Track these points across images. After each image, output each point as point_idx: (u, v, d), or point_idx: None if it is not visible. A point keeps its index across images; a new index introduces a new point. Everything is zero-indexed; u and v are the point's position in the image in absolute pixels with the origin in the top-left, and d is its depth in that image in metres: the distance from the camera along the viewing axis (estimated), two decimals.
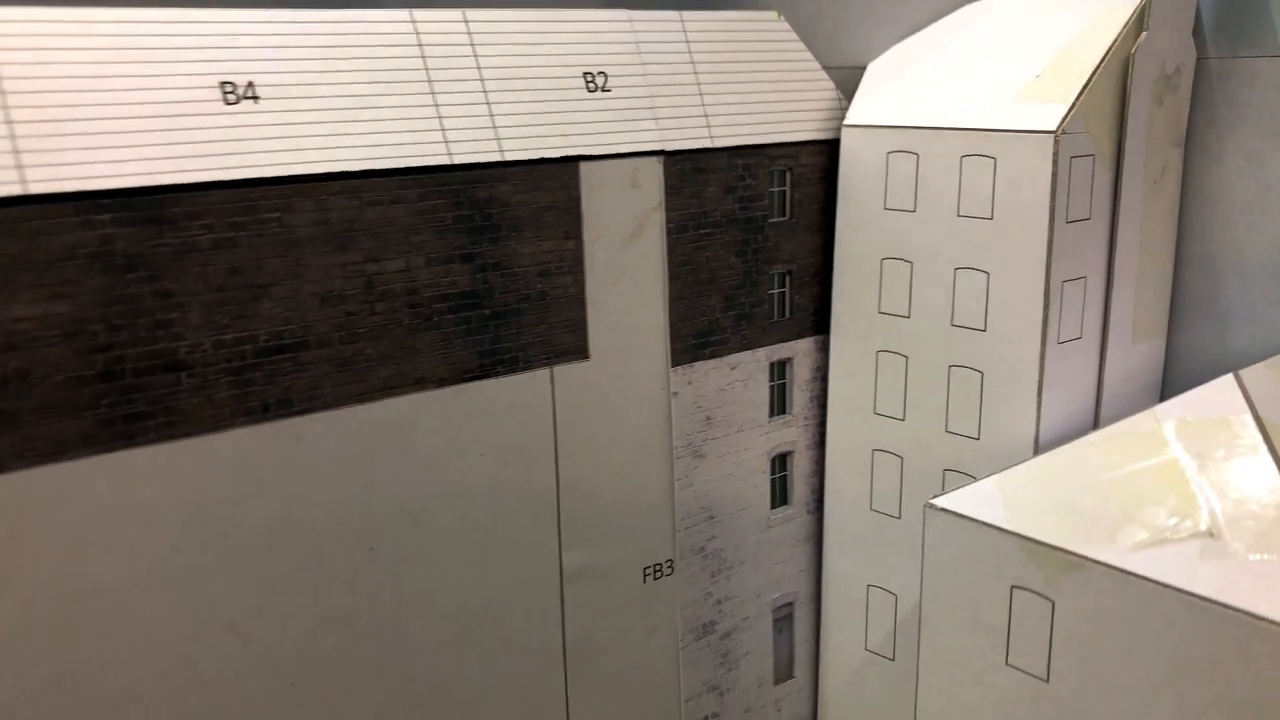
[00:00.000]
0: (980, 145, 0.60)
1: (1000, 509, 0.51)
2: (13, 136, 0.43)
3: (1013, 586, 0.50)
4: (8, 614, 0.45)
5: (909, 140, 0.63)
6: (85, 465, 0.46)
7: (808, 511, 0.72)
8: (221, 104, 0.48)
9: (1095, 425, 0.64)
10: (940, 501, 0.53)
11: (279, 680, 0.52)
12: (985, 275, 0.61)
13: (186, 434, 0.48)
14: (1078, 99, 0.57)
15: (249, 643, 0.51)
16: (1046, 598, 0.49)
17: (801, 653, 0.74)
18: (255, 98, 0.48)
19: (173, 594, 0.49)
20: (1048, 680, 0.50)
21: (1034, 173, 0.58)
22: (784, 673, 0.74)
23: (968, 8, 0.68)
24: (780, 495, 0.71)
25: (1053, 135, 0.56)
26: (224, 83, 0.48)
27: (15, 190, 0.43)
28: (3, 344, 0.43)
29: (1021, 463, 0.58)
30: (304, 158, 0.49)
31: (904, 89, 0.66)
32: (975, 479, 0.56)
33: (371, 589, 0.54)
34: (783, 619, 0.73)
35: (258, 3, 0.50)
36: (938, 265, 0.63)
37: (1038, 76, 0.60)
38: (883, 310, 0.66)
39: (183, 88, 0.47)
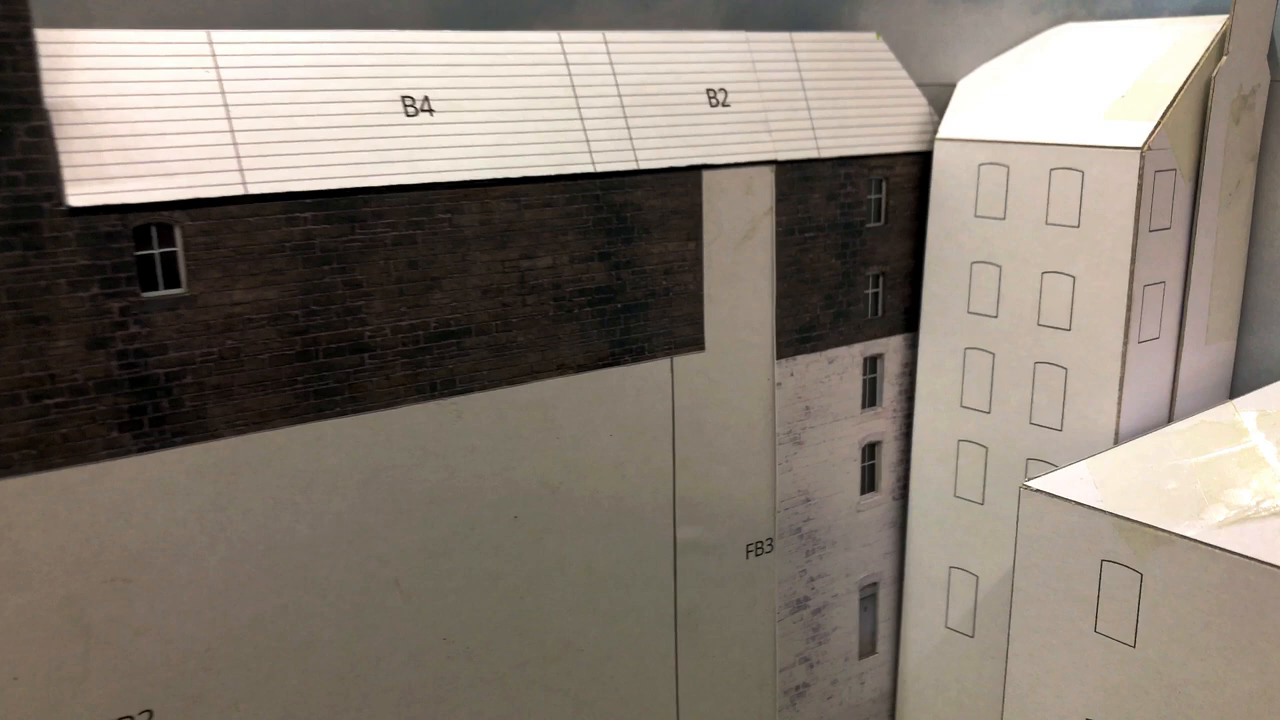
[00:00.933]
0: (1069, 159, 0.65)
1: (1092, 490, 0.56)
2: (235, 144, 0.49)
3: (1103, 560, 0.55)
4: (218, 564, 0.51)
5: (1000, 153, 0.68)
6: (283, 434, 0.52)
7: (893, 498, 0.78)
8: (403, 116, 0.54)
9: (1169, 419, 0.68)
10: (1035, 484, 0.58)
11: (434, 633, 0.58)
12: (1071, 279, 0.66)
13: (366, 409, 0.54)
14: (1162, 118, 0.62)
15: (410, 598, 0.57)
16: (1135, 570, 0.54)
17: (884, 630, 0.80)
18: (431, 110, 0.54)
19: (348, 551, 0.55)
20: (1134, 646, 0.55)
21: (1121, 185, 0.63)
22: (867, 648, 0.79)
23: (1052, 31, 0.73)
24: (869, 482, 0.76)
25: (1139, 151, 0.62)
26: (405, 97, 0.54)
27: (237, 190, 0.49)
28: (222, 325, 0.49)
29: (1104, 451, 0.63)
30: (471, 165, 0.55)
31: (994, 105, 0.71)
32: (1057, 467, 0.62)
33: (515, 553, 0.60)
34: (868, 598, 0.78)
35: (431, 24, 0.56)
36: (1026, 269, 0.68)
37: (1123, 96, 0.65)
38: (971, 310, 0.71)
39: (371, 101, 0.53)
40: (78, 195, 0.45)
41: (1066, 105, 0.68)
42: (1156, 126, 0.62)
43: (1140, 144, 0.62)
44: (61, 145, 0.45)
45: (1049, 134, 0.66)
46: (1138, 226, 0.63)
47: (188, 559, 0.50)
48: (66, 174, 0.45)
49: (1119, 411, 0.65)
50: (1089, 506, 0.55)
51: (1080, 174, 0.64)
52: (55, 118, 0.45)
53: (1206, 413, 0.61)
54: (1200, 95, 0.64)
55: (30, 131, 0.44)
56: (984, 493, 0.73)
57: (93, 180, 0.45)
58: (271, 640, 0.53)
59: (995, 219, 0.69)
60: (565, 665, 0.64)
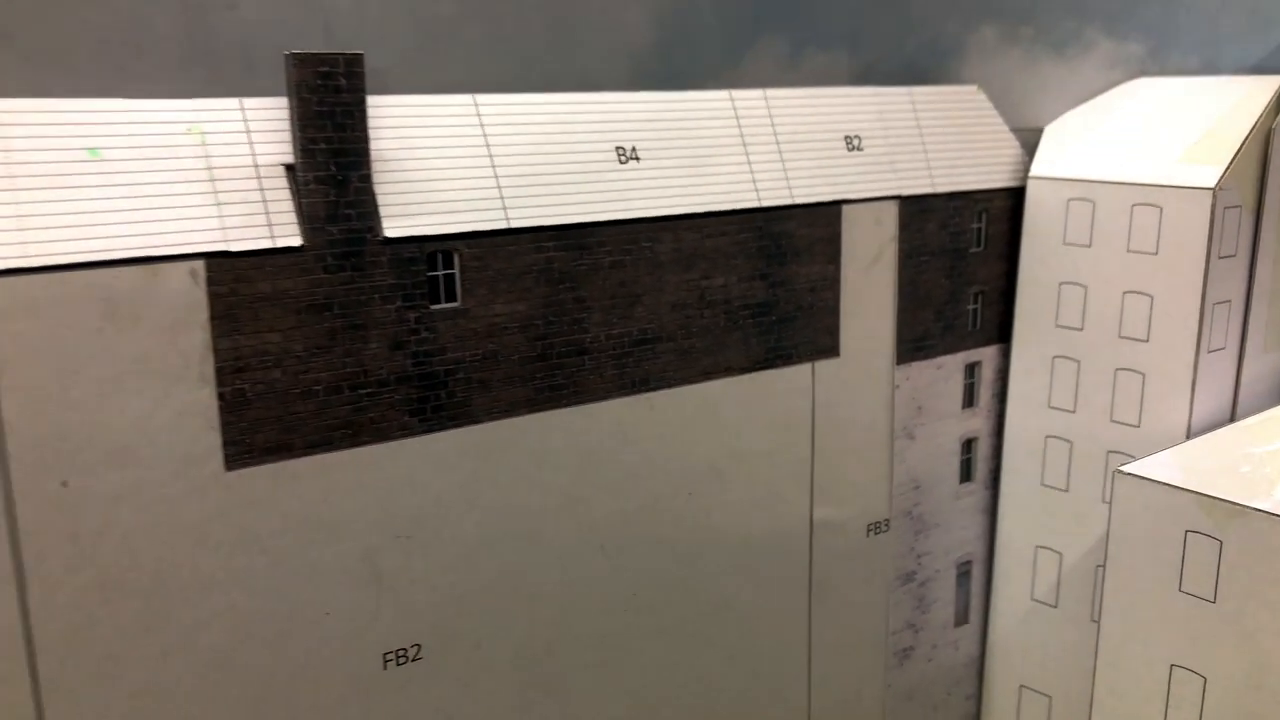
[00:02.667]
0: (1150, 196, 0.76)
1: (1177, 473, 0.68)
2: (499, 187, 0.61)
3: (1187, 531, 0.67)
4: (473, 526, 0.63)
5: (1087, 190, 0.80)
6: (524, 420, 0.63)
7: (985, 487, 0.89)
8: (617, 163, 0.66)
9: (1232, 418, 0.80)
10: (1128, 468, 0.69)
11: (626, 590, 0.70)
12: (1150, 298, 0.78)
13: (584, 401, 0.66)
14: (1231, 162, 0.74)
15: (610, 559, 0.69)
16: (1215, 538, 0.65)
17: (975, 602, 0.91)
18: (638, 158, 0.66)
19: (567, 519, 0.66)
20: (1214, 601, 0.66)
21: (1194, 219, 0.74)
22: (962, 618, 0.91)
23: (1128, 84, 0.85)
24: (966, 472, 0.88)
25: (1212, 191, 0.73)
26: (618, 147, 0.66)
27: (501, 224, 0.60)
28: (485, 332, 0.61)
29: (1180, 444, 0.75)
30: (667, 203, 0.67)
31: (1079, 148, 0.83)
32: (1135, 459, 0.73)
33: (688, 524, 0.72)
34: (963, 574, 0.90)
35: (633, 86, 0.68)
36: (1109, 289, 0.80)
37: (1196, 143, 0.76)
38: (1059, 324, 0.83)
39: (594, 151, 0.65)
40: (390, 228, 0.57)
41: (1144, 149, 0.79)
42: (1226, 170, 0.74)
43: (1213, 185, 0.73)
44: (378, 189, 0.57)
45: (1131, 174, 0.78)
46: (1209, 254, 0.74)
47: (451, 521, 0.62)
48: (382, 211, 0.57)
49: (1191, 410, 0.77)
50: (1176, 487, 0.67)
51: (1159, 209, 0.76)
52: (375, 167, 0.57)
53: (1269, 410, 0.73)
54: (1262, 143, 0.76)
55: (360, 179, 0.56)
56: (1068, 481, 0.84)
57: (400, 216, 0.57)
58: (508, 590, 0.65)
59: (1082, 246, 0.81)
60: (720, 622, 0.75)
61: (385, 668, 0.61)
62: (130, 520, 0.52)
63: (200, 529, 0.54)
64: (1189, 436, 0.77)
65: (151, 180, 0.52)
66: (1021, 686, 0.90)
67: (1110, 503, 0.71)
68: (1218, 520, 0.65)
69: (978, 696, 0.93)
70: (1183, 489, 0.66)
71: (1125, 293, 0.79)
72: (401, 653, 0.61)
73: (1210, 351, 0.77)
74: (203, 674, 0.55)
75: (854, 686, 0.84)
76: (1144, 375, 0.79)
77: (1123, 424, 0.80)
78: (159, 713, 0.54)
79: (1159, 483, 0.68)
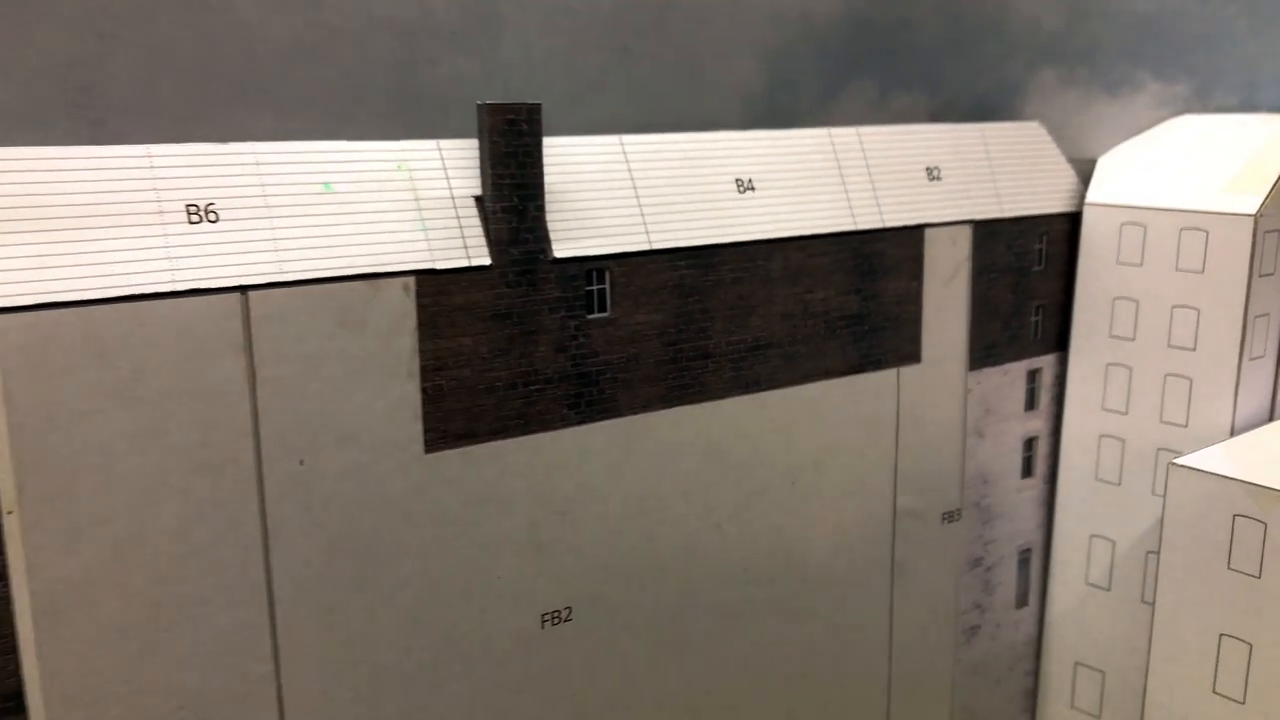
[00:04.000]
0: (1196, 221, 0.86)
1: (1225, 464, 0.77)
2: (641, 214, 0.71)
3: (1234, 515, 0.76)
4: (616, 505, 0.72)
5: (1139, 216, 0.90)
6: (659, 415, 0.73)
7: (1044, 482, 0.98)
8: (736, 193, 0.76)
9: (1270, 417, 0.89)
10: (1181, 461, 0.79)
11: (738, 565, 0.79)
12: (1196, 311, 0.87)
13: (707, 399, 0.75)
14: (1270, 192, 0.83)
15: (725, 537, 0.78)
16: (1260, 521, 0.75)
17: (1034, 586, 1.00)
18: (753, 188, 0.76)
19: (692, 501, 0.76)
20: (1259, 576, 0.75)
21: (1238, 242, 0.84)
22: (1022, 600, 1.00)
23: (1174, 120, 0.95)
24: (1027, 468, 0.97)
25: (1253, 217, 0.83)
26: (737, 180, 0.76)
27: (645, 246, 0.71)
28: (629, 338, 0.71)
29: (1225, 440, 0.84)
30: (778, 227, 0.77)
31: (1131, 177, 0.92)
32: (1183, 454, 0.82)
33: (791, 509, 0.81)
34: (1023, 560, 0.99)
35: (746, 125, 0.78)
36: (1159, 303, 0.89)
37: (1238, 175, 0.86)
38: (1113, 334, 0.92)
39: (716, 182, 0.75)
40: (559, 250, 0.67)
41: (1190, 179, 0.89)
42: (1266, 198, 0.83)
43: (1254, 212, 0.83)
44: (549, 217, 0.67)
45: (1179, 202, 0.87)
46: (1250, 273, 0.84)
47: (598, 500, 0.72)
48: (552, 236, 0.67)
49: (1234, 411, 0.86)
50: (1225, 476, 0.76)
51: (1205, 233, 0.86)
52: (546, 198, 0.67)
53: None
54: None
55: (536, 209, 0.66)
56: (1120, 476, 0.94)
57: (565, 240, 0.67)
58: (642, 562, 0.74)
59: (1134, 265, 0.91)
60: (816, 596, 0.85)
61: (543, 627, 0.71)
62: (350, 494, 0.62)
63: (403, 503, 0.64)
64: (1232, 434, 0.87)
65: (373, 209, 0.62)
66: (1076, 663, 0.99)
67: (1164, 493, 0.81)
68: (1262, 505, 0.74)
69: (1035, 672, 1.02)
70: (1231, 478, 0.76)
71: (1174, 306, 0.89)
72: (556, 614, 0.71)
73: (1251, 359, 0.86)
74: (401, 626, 0.65)
75: (927, 659, 0.93)
76: (1191, 380, 0.88)
77: (1171, 424, 0.90)
78: (367, 657, 0.64)
79: (1209, 473, 0.77)
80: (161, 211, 0.56)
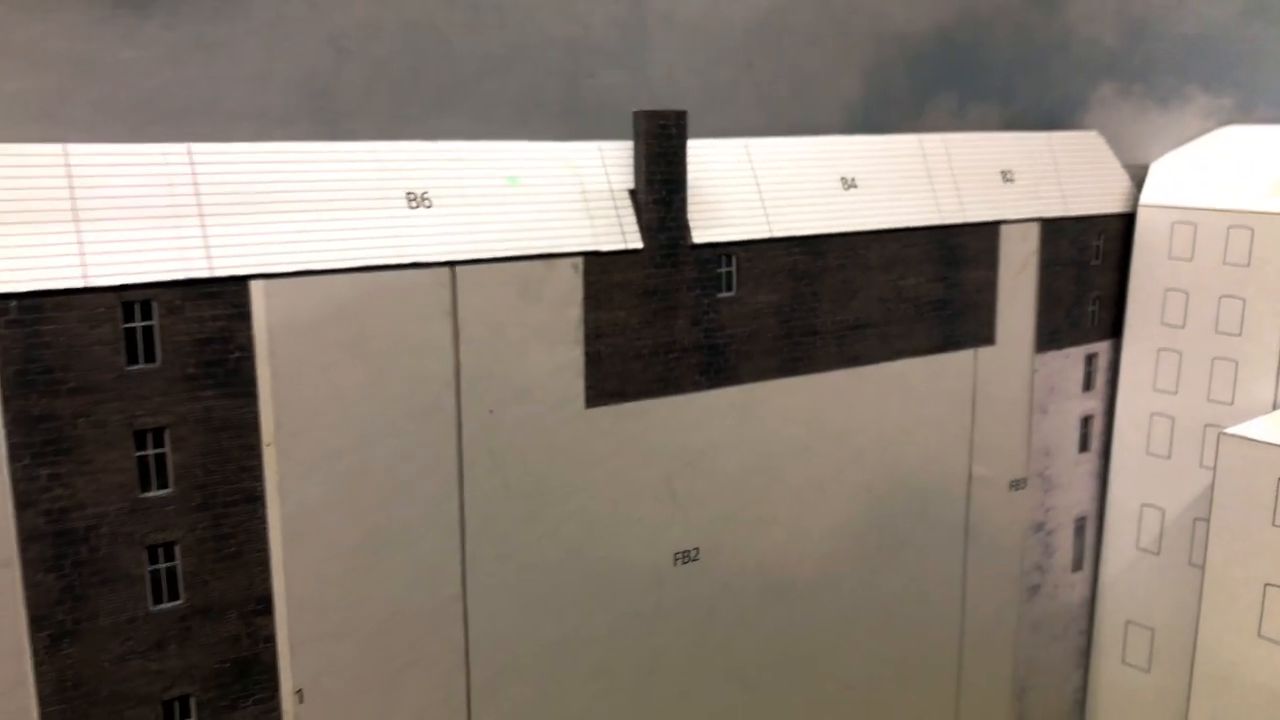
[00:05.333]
0: (1243, 220, 0.96)
1: (1271, 433, 0.87)
2: (764, 206, 0.81)
3: (1279, 478, 0.86)
4: (735, 464, 0.83)
5: (1190, 215, 1.00)
6: (773, 384, 0.84)
7: (1098, 456, 1.08)
8: (841, 190, 0.86)
9: None
10: (1231, 430, 0.89)
11: (834, 523, 0.90)
12: (1242, 300, 0.97)
13: (814, 371, 0.86)
14: None
15: (826, 496, 0.89)
16: None
17: (1088, 552, 1.10)
18: (856, 186, 0.87)
19: (798, 463, 0.86)
20: None
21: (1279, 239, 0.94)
22: (1077, 564, 1.10)
23: (1221, 130, 1.05)
24: (1083, 443, 1.07)
25: None
26: (842, 178, 0.86)
27: (765, 234, 0.81)
28: (750, 315, 0.82)
29: (1270, 413, 0.94)
30: (876, 220, 0.87)
31: (1182, 181, 1.02)
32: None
33: (883, 474, 0.92)
34: (1079, 528, 1.09)
35: (847, 130, 0.88)
36: (1207, 294, 0.99)
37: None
38: (1164, 322, 1.03)
39: (824, 181, 0.85)
40: (697, 237, 0.78)
41: (1237, 183, 0.99)
42: None
43: None
44: (689, 208, 0.77)
45: (1227, 203, 0.98)
46: None
47: (722, 456, 0.82)
48: (691, 224, 0.77)
49: (1276, 388, 0.96)
50: (1270, 443, 0.86)
51: (1251, 230, 0.96)
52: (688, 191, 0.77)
53: None
54: None
55: (679, 201, 0.76)
56: (1170, 450, 1.04)
57: (702, 228, 0.78)
58: (756, 514, 0.85)
59: (1184, 260, 1.01)
60: (901, 554, 0.95)
61: (675, 564, 0.81)
62: (525, 441, 0.73)
63: (566, 451, 0.75)
64: (1274, 409, 0.97)
65: (548, 200, 0.73)
66: (1128, 622, 1.09)
67: (1214, 462, 0.91)
68: None
69: (1089, 631, 1.12)
70: (1276, 445, 0.86)
71: (1221, 296, 0.99)
72: (685, 554, 0.82)
73: None
74: (561, 558, 0.76)
75: (995, 614, 1.03)
76: (1236, 362, 0.98)
77: (1218, 402, 1.00)
78: (534, 581, 0.75)
79: (1257, 441, 0.87)
80: (385, 198, 0.67)
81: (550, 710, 0.77)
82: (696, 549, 0.82)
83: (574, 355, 0.74)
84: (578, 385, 0.74)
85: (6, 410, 0.56)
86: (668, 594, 0.81)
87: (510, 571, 0.74)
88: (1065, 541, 1.08)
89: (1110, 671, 1.11)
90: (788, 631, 0.89)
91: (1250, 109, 1.03)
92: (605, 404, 0.76)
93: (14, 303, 0.56)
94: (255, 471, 0.63)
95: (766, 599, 0.87)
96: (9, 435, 0.56)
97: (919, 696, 0.99)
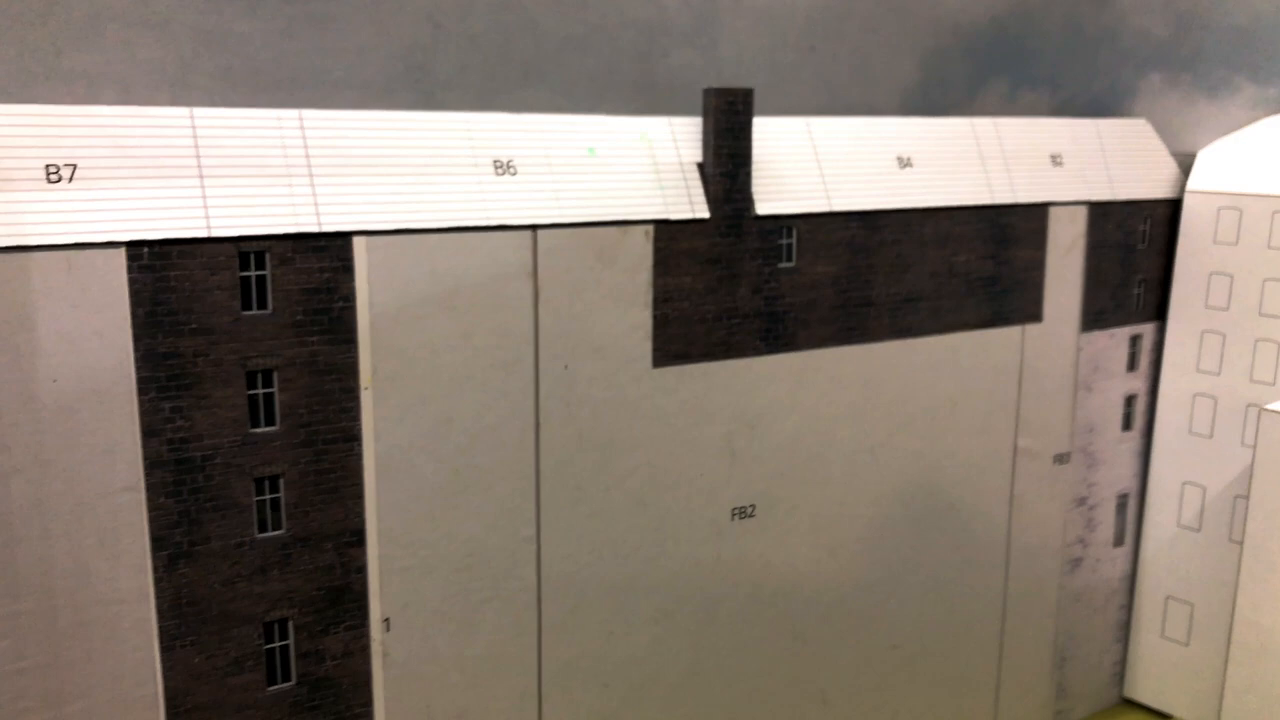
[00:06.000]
0: None
1: None
2: (824, 182, 0.86)
3: None
4: (791, 425, 0.87)
5: (1236, 201, 1.03)
6: (829, 351, 0.88)
7: (1141, 435, 1.12)
8: (897, 168, 0.90)
9: None
10: (1272, 406, 0.92)
11: (884, 486, 0.94)
12: None
13: (867, 340, 0.90)
14: None
15: (876, 459, 0.93)
16: None
17: (1129, 528, 1.13)
18: (911, 165, 0.91)
19: (849, 424, 0.91)
20: None
21: None
22: (1119, 540, 1.13)
23: (1266, 119, 1.08)
24: (1126, 422, 1.11)
25: None
26: (898, 157, 0.90)
27: (825, 209, 0.85)
28: (809, 285, 0.86)
29: None
30: (930, 198, 0.91)
31: (1229, 168, 1.05)
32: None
33: (932, 441, 0.96)
34: (1120, 505, 1.12)
35: (901, 113, 0.92)
36: (1251, 277, 1.02)
37: None
38: (1208, 305, 1.06)
39: (881, 158, 0.89)
40: (760, 209, 0.82)
41: None
42: None
43: None
44: (753, 181, 0.82)
45: (1273, 189, 1.01)
46: None
47: (779, 418, 0.87)
48: (755, 197, 0.82)
49: None
50: None
51: None
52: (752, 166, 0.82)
53: None
54: None
55: (744, 174, 0.81)
56: (1212, 429, 1.07)
57: (765, 200, 0.83)
58: (809, 474, 0.89)
59: (1229, 244, 1.04)
60: (947, 519, 0.99)
61: (732, 519, 0.86)
62: (597, 396, 0.78)
63: (634, 406, 0.80)
64: None
65: (623, 171, 0.77)
66: (1168, 597, 1.12)
67: (1255, 437, 0.94)
68: None
69: (1129, 606, 1.15)
70: None
71: (1265, 280, 1.02)
72: (742, 510, 0.86)
73: None
74: (626, 506, 0.81)
75: (1038, 583, 1.07)
76: (1278, 343, 1.01)
77: (1260, 382, 1.03)
78: (600, 527, 0.80)
79: None
80: (475, 164, 0.72)
81: (615, 650, 0.82)
82: (753, 505, 0.87)
83: (643, 317, 0.79)
84: (646, 346, 0.79)
85: (137, 347, 0.62)
86: (725, 547, 0.86)
87: (581, 517, 0.79)
88: (1107, 517, 1.11)
89: (1149, 645, 1.14)
90: (837, 588, 0.93)
91: None
92: (671, 364, 0.81)
93: (145, 250, 0.62)
94: (353, 413, 0.69)
95: (818, 555, 0.91)
96: (138, 370, 0.62)
97: (962, 659, 1.03)
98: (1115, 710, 1.16)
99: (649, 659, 0.84)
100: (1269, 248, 1.01)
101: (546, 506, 0.77)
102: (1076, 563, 1.10)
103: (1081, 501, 1.09)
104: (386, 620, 0.72)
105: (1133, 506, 1.13)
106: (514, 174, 0.73)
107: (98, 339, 0.61)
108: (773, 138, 0.85)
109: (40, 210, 0.59)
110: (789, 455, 0.88)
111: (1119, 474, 1.11)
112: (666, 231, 0.79)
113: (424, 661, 0.74)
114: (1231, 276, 1.04)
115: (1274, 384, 1.02)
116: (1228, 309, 1.05)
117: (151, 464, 0.63)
